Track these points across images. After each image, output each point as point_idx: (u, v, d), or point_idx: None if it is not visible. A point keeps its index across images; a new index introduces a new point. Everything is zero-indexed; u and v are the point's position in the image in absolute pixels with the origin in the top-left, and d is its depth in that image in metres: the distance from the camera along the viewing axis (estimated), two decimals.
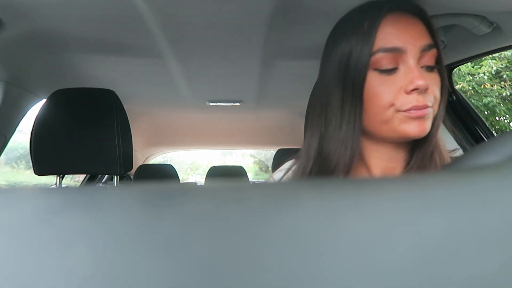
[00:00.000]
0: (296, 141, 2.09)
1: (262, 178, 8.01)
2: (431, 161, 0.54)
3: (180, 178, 2.58)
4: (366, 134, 0.55)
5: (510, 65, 6.63)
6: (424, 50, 0.51)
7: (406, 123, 0.51)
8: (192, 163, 12.44)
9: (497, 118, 6.81)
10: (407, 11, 0.52)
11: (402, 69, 0.51)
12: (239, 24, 0.93)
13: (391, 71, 0.51)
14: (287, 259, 0.09)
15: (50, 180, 1.17)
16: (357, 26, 0.52)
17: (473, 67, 6.61)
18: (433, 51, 0.52)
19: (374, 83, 0.51)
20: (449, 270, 0.09)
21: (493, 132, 1.24)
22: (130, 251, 0.09)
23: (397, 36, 0.50)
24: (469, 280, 0.09)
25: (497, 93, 6.61)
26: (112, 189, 0.12)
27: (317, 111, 0.57)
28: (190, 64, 1.24)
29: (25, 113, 1.32)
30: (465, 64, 1.47)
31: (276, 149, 2.01)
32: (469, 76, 6.67)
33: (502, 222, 0.10)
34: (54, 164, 1.01)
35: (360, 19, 0.52)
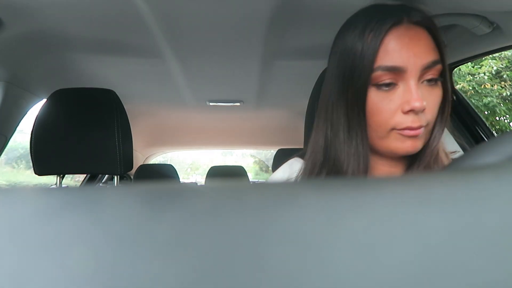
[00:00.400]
0: (296, 141, 2.09)
1: (262, 178, 8.01)
2: (430, 169, 0.54)
3: (180, 178, 2.58)
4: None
5: (510, 65, 6.63)
6: (427, 67, 0.49)
7: (400, 141, 0.51)
8: (192, 163, 12.44)
9: (497, 118, 6.81)
10: (414, 23, 0.50)
11: (401, 87, 0.50)
12: (239, 24, 0.93)
13: (390, 89, 0.50)
14: (287, 259, 0.09)
15: (50, 180, 1.17)
16: (361, 36, 0.50)
17: (473, 67, 6.60)
18: (437, 67, 0.50)
19: (374, 99, 0.51)
20: (449, 270, 0.09)
21: (493, 132, 1.24)
22: (130, 251, 0.09)
23: (399, 54, 0.49)
24: (469, 280, 0.09)
25: (497, 93, 6.61)
26: (112, 189, 0.12)
27: (322, 116, 0.57)
28: (190, 64, 1.24)
29: (25, 113, 1.32)
30: (465, 64, 1.47)
31: (276, 149, 2.01)
32: (469, 76, 6.66)
33: (502, 222, 0.10)
34: (54, 164, 1.01)
35: (366, 27, 0.50)
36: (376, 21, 0.50)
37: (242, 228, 0.10)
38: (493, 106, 6.49)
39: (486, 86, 6.60)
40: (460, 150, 1.11)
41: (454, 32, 0.96)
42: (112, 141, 0.97)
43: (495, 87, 6.59)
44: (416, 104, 0.48)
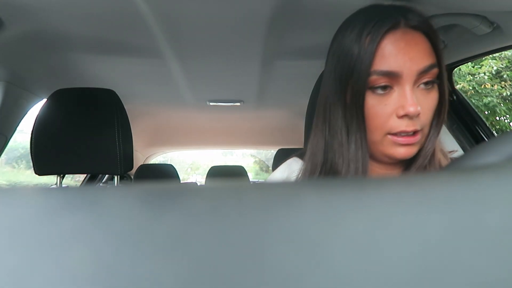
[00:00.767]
0: (296, 141, 2.09)
1: (262, 178, 8.01)
2: (425, 170, 0.54)
3: (181, 178, 2.58)
4: None
5: (510, 65, 6.62)
6: (423, 72, 0.49)
7: (394, 147, 0.51)
8: (192, 163, 12.44)
9: (497, 118, 6.81)
10: (411, 27, 0.50)
11: (397, 91, 0.50)
12: (239, 24, 0.93)
13: (386, 93, 0.51)
14: (287, 258, 0.09)
15: (51, 180, 1.17)
16: (358, 39, 0.50)
17: (473, 67, 6.60)
18: (433, 71, 0.50)
19: (370, 102, 0.51)
20: (449, 270, 0.09)
21: (494, 132, 1.24)
22: (130, 250, 0.09)
23: (395, 59, 0.49)
24: (469, 280, 0.09)
25: (497, 93, 6.61)
26: (112, 189, 0.12)
27: (320, 117, 0.57)
28: (190, 64, 1.24)
29: (26, 113, 1.32)
30: (466, 64, 1.47)
31: (277, 149, 2.01)
32: (470, 76, 6.66)
33: (502, 222, 0.10)
34: (55, 164, 1.01)
35: (363, 29, 0.50)
36: (373, 24, 0.50)
37: (242, 228, 0.10)
38: (493, 106, 6.49)
39: (486, 86, 6.59)
40: (460, 149, 1.11)
41: (454, 32, 0.96)
42: (113, 141, 0.97)
43: (495, 87, 6.59)
44: (411, 109, 0.48)
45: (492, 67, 6.53)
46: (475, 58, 1.05)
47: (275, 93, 1.66)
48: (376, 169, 0.58)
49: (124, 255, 0.09)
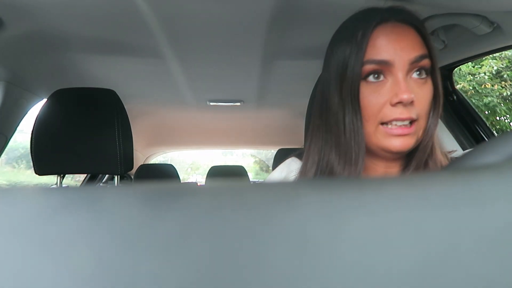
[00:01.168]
0: (296, 141, 2.10)
1: (262, 177, 8.01)
2: (425, 169, 0.54)
3: (181, 178, 2.58)
4: None
5: (510, 65, 6.62)
6: (415, 61, 0.51)
7: (388, 138, 0.52)
8: (192, 162, 12.45)
9: (497, 118, 6.81)
10: (400, 21, 0.52)
11: (390, 81, 0.52)
12: (239, 24, 0.93)
13: (379, 82, 0.52)
14: (287, 258, 0.09)
15: (51, 180, 1.17)
16: (351, 36, 0.53)
17: (473, 66, 6.60)
18: (425, 61, 0.52)
19: (364, 93, 0.52)
20: (449, 270, 0.09)
21: (494, 132, 1.24)
22: (131, 250, 0.09)
23: (386, 48, 0.51)
24: (469, 280, 0.09)
25: (497, 93, 6.60)
26: (112, 189, 0.12)
27: (317, 114, 0.58)
28: (190, 64, 1.25)
29: (26, 113, 1.32)
30: (466, 64, 1.47)
31: (277, 149, 2.01)
32: (470, 76, 6.66)
33: (502, 222, 0.10)
34: (55, 164, 1.01)
35: (355, 28, 0.53)
36: (364, 20, 0.53)
37: (242, 228, 0.10)
38: (493, 106, 6.48)
39: (487, 86, 6.59)
40: (460, 149, 1.11)
41: (454, 32, 0.96)
42: (113, 141, 0.97)
43: (496, 87, 6.59)
44: (404, 96, 0.49)
45: (493, 67, 6.52)
46: (475, 58, 1.05)
47: (275, 93, 1.66)
48: (375, 167, 0.57)
49: (124, 255, 0.09)
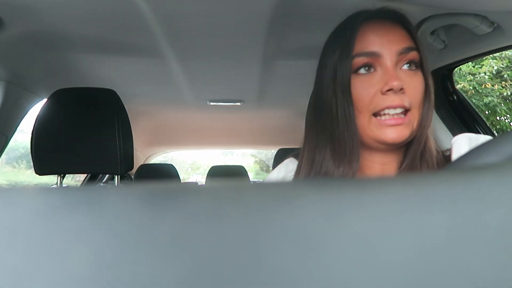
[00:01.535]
0: (297, 141, 2.08)
1: (263, 177, 8.01)
2: (421, 162, 0.55)
3: (181, 177, 2.58)
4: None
5: (511, 65, 6.62)
6: (402, 53, 0.53)
7: (382, 129, 0.52)
8: (193, 162, 12.45)
9: (498, 118, 6.80)
10: (387, 19, 0.55)
11: (379, 71, 0.53)
12: (240, 24, 0.93)
13: (369, 74, 0.53)
14: (287, 258, 0.09)
15: (51, 179, 1.17)
16: (342, 35, 0.55)
17: (473, 66, 6.60)
18: (413, 54, 0.54)
19: (355, 85, 0.53)
20: (449, 269, 0.09)
21: (494, 131, 1.24)
22: (131, 250, 0.09)
23: (374, 41, 0.53)
24: (469, 280, 0.09)
25: (498, 93, 6.60)
26: (113, 188, 0.12)
27: (311, 113, 0.60)
28: (191, 63, 1.25)
29: (26, 113, 1.32)
30: (466, 63, 1.47)
31: (277, 149, 2.01)
32: (470, 75, 6.65)
33: (502, 222, 0.10)
34: (55, 164, 1.01)
35: (344, 27, 0.56)
36: (352, 19, 0.55)
37: (242, 228, 0.10)
38: (493, 105, 6.48)
39: (487, 85, 6.59)
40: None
41: (454, 32, 0.96)
42: (113, 141, 0.97)
43: (496, 86, 6.58)
44: (394, 83, 0.50)
45: (493, 67, 6.52)
46: (475, 58, 1.05)
47: (275, 93, 1.66)
48: (371, 164, 0.57)
49: (124, 254, 0.09)
